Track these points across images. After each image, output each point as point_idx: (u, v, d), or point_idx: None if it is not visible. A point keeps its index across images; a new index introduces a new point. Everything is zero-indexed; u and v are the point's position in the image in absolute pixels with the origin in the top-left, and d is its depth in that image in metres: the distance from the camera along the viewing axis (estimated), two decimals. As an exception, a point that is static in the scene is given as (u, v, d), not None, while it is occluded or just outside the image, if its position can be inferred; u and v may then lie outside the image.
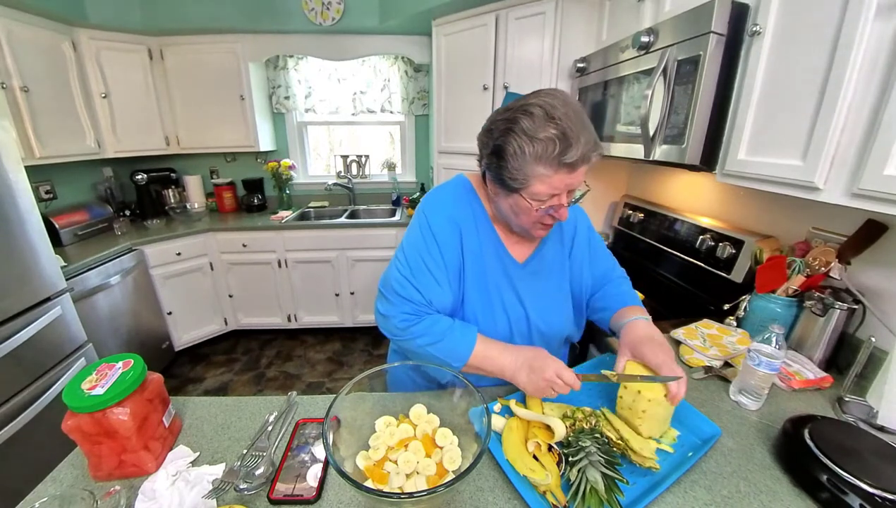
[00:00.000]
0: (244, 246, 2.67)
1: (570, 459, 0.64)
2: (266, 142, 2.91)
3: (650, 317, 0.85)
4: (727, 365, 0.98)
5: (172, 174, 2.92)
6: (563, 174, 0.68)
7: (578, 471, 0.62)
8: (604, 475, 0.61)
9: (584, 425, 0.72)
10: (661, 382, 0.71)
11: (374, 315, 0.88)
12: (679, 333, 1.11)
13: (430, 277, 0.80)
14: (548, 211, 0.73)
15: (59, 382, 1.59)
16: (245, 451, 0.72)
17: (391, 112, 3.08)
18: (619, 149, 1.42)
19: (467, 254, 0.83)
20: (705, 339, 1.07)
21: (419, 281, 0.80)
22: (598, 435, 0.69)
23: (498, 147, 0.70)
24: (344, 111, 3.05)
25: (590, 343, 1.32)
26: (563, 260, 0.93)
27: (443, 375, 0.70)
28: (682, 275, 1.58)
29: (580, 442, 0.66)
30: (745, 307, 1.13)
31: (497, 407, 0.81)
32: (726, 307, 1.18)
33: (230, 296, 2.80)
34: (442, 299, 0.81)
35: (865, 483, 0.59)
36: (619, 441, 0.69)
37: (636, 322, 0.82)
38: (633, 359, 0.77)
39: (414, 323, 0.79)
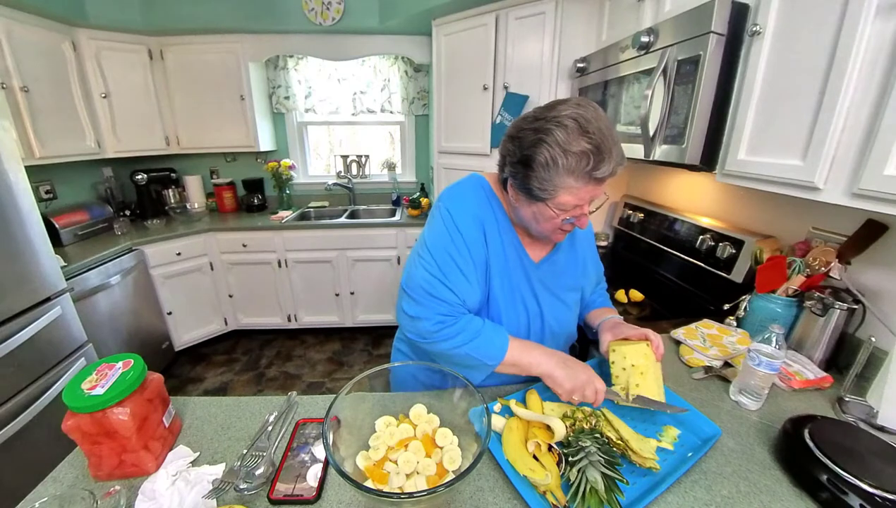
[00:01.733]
0: (244, 246, 2.67)
1: (570, 459, 0.64)
2: (266, 142, 2.91)
3: (622, 318, 0.98)
4: (727, 365, 0.98)
5: (172, 174, 2.92)
6: (591, 186, 0.70)
7: (578, 471, 0.62)
8: (604, 475, 0.61)
9: (584, 425, 0.72)
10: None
11: (398, 317, 0.86)
12: (679, 333, 1.11)
13: (460, 275, 0.79)
14: (570, 219, 0.75)
15: (59, 382, 1.59)
16: (245, 451, 0.72)
17: (391, 112, 3.08)
18: (619, 149, 1.42)
19: (491, 252, 0.83)
20: (705, 339, 1.07)
21: (451, 280, 0.78)
22: (598, 435, 0.69)
23: (527, 156, 0.70)
24: (344, 111, 3.05)
25: (590, 343, 1.32)
26: (576, 261, 0.95)
27: (453, 375, 0.68)
28: (682, 275, 1.58)
29: (580, 442, 0.66)
30: (745, 307, 1.13)
31: (497, 407, 0.81)
32: (726, 307, 1.18)
33: (230, 296, 2.80)
34: (472, 296, 0.81)
35: (865, 483, 0.59)
36: (619, 442, 0.69)
37: (612, 318, 0.96)
38: (614, 338, 0.88)
39: (449, 324, 0.78)
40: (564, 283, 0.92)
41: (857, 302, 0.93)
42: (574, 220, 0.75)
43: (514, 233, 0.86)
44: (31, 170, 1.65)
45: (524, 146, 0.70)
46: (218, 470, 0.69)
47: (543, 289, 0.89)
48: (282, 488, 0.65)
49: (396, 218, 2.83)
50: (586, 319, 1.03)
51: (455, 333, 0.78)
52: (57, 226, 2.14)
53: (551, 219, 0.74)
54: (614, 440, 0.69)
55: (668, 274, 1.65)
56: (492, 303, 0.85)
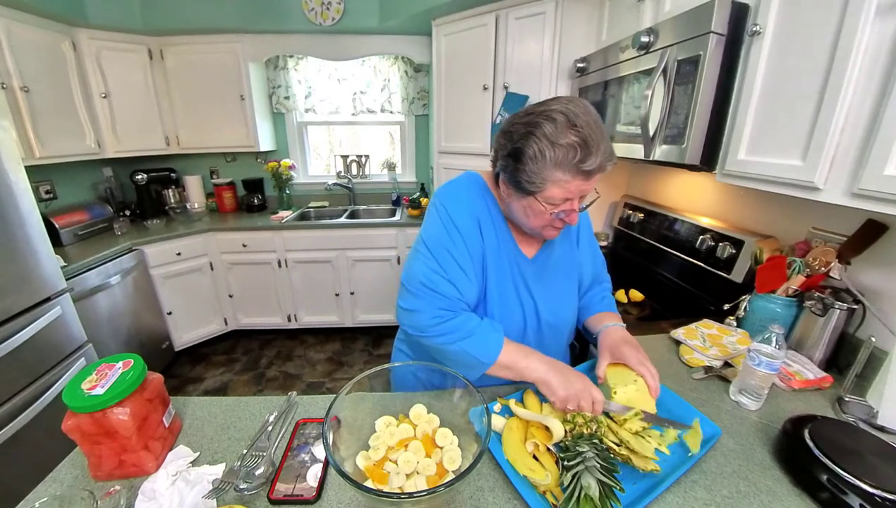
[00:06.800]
0: (244, 246, 2.67)
1: (566, 464, 0.63)
2: (266, 142, 2.91)
3: (625, 325, 0.92)
4: (727, 365, 0.98)
5: (172, 174, 2.92)
6: (579, 180, 0.70)
7: (573, 476, 0.61)
8: (600, 481, 0.60)
9: (584, 430, 0.71)
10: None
11: (397, 311, 0.86)
12: (679, 333, 1.11)
13: (458, 269, 0.80)
14: (559, 215, 0.75)
15: (59, 382, 1.59)
16: (245, 451, 0.72)
17: (391, 112, 3.08)
18: (619, 149, 1.41)
19: (487, 246, 0.83)
20: (705, 339, 1.07)
21: (449, 274, 0.79)
22: (596, 441, 0.68)
23: (517, 149, 0.71)
24: (344, 111, 3.05)
25: (590, 343, 1.32)
26: (572, 254, 0.95)
27: (453, 374, 0.69)
28: (682, 275, 1.58)
29: (578, 447, 0.65)
30: (745, 307, 1.13)
31: (497, 407, 0.81)
32: (726, 307, 1.18)
33: (230, 296, 2.80)
34: (470, 291, 0.81)
35: (865, 483, 0.59)
36: (622, 452, 0.67)
37: (614, 327, 0.90)
38: (614, 361, 0.83)
39: (447, 318, 0.78)
40: (560, 277, 0.92)
41: (857, 302, 0.93)
42: (564, 215, 0.75)
43: (508, 229, 0.86)
44: (31, 170, 1.65)
45: (514, 139, 0.71)
46: (218, 470, 0.69)
47: (538, 284, 0.89)
48: (282, 488, 0.65)
49: (396, 218, 2.83)
50: (586, 323, 1.00)
51: (451, 329, 0.78)
52: (57, 226, 2.14)
53: (541, 213, 0.75)
54: (615, 448, 0.68)
55: (668, 274, 1.65)
56: (488, 297, 0.85)
